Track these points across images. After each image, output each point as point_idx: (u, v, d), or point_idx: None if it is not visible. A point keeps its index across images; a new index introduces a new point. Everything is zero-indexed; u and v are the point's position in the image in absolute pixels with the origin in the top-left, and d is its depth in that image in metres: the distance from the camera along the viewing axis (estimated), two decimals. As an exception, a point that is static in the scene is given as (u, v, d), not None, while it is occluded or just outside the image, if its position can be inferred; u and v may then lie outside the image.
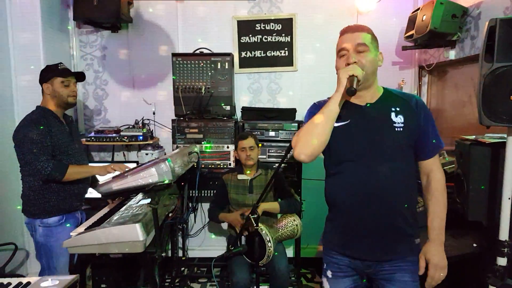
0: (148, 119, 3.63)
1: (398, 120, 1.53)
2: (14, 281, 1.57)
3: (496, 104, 1.54)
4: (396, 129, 1.52)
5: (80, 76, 2.66)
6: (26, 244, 3.25)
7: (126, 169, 2.36)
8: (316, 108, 1.61)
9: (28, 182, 2.40)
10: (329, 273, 1.71)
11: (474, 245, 1.99)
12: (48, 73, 2.45)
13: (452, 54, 2.78)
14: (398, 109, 1.54)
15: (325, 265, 1.76)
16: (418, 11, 2.68)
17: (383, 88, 1.65)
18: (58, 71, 2.46)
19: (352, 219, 1.57)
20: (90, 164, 2.75)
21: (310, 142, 1.51)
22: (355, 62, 1.50)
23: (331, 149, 1.60)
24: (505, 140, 1.73)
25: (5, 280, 1.58)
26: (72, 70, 3.53)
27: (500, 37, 1.53)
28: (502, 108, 1.53)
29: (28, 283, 1.54)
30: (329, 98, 1.57)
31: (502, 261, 1.67)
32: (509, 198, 1.65)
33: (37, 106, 2.47)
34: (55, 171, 2.28)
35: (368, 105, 1.57)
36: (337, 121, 1.55)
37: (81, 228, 2.15)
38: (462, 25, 2.63)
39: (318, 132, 1.50)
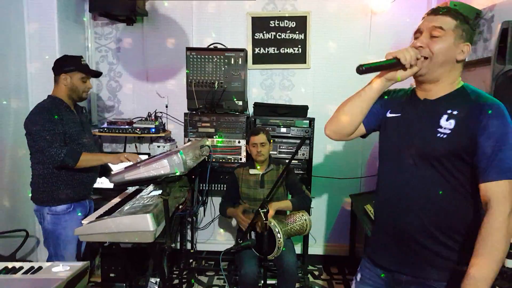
0: (160, 112, 3.68)
1: (446, 125, 1.29)
2: (26, 265, 1.61)
3: (508, 104, 1.55)
4: (439, 135, 1.30)
5: (97, 75, 2.74)
6: (37, 231, 3.31)
7: (138, 160, 2.40)
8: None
9: (38, 170, 2.44)
10: (358, 276, 1.63)
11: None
12: (69, 65, 2.48)
13: (466, 56, 2.77)
14: (455, 112, 1.29)
15: (359, 267, 1.66)
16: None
17: (463, 85, 1.37)
18: (80, 66, 2.50)
19: (382, 225, 1.49)
20: (102, 153, 2.80)
21: (338, 117, 1.45)
22: (420, 47, 1.31)
23: (380, 141, 1.52)
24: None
25: (17, 264, 1.63)
26: (87, 62, 3.62)
27: (513, 39, 1.53)
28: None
29: (40, 267, 1.58)
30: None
31: (510, 263, 1.67)
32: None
33: (48, 95, 2.51)
34: (68, 157, 2.33)
35: (424, 103, 1.39)
36: (392, 111, 1.47)
37: (92, 217, 2.20)
38: (475, 28, 2.61)
39: (347, 108, 1.43)
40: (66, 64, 2.49)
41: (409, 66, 1.28)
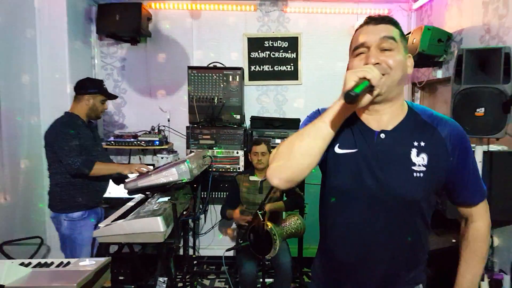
0: (163, 126, 3.93)
1: (419, 161, 1.11)
2: (56, 261, 1.85)
3: (463, 118, 1.84)
4: (416, 174, 1.11)
5: (115, 98, 3.03)
6: (48, 239, 3.48)
7: (149, 170, 2.65)
8: (315, 117, 1.18)
9: (56, 180, 2.66)
10: None
11: (453, 240, 2.26)
12: (94, 88, 2.75)
13: (439, 73, 3.10)
14: (422, 143, 1.12)
15: None
16: (409, 34, 3.00)
17: (409, 105, 1.21)
18: (103, 89, 2.80)
19: (342, 271, 1.26)
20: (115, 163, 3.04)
21: (288, 163, 1.11)
22: (377, 64, 1.08)
23: (327, 180, 1.24)
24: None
25: (48, 260, 1.87)
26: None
27: (466, 64, 1.84)
28: (467, 122, 1.83)
29: (68, 262, 1.82)
30: None
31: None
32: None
33: (66, 112, 2.75)
34: (83, 166, 2.56)
35: (382, 135, 1.15)
36: (341, 146, 1.18)
37: (108, 221, 2.44)
38: (447, 48, 2.95)
39: (301, 151, 1.09)
40: (91, 87, 2.76)
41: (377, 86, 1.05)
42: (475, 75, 1.86)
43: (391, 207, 1.13)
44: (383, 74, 1.07)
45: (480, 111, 1.84)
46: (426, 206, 1.16)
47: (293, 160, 1.10)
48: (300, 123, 1.33)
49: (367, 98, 1.06)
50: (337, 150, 1.19)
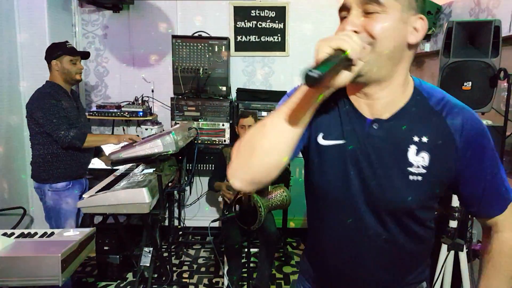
0: (147, 97, 3.86)
1: (418, 161, 0.89)
2: (40, 231, 1.83)
3: (452, 93, 1.84)
4: (412, 177, 0.89)
5: (85, 55, 2.87)
6: (32, 210, 3.47)
7: (139, 140, 2.61)
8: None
9: (38, 150, 2.60)
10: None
11: (435, 212, 2.32)
12: (57, 51, 2.62)
13: (427, 47, 3.09)
14: (424, 139, 0.89)
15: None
16: (399, 6, 2.95)
17: (416, 86, 0.94)
18: (67, 49, 2.64)
19: (333, 279, 1.10)
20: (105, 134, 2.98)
21: (250, 162, 0.87)
22: (355, 32, 0.83)
23: (310, 175, 1.03)
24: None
25: (32, 230, 1.85)
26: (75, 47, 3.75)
27: (455, 37, 1.83)
28: (454, 96, 1.82)
29: (52, 233, 1.79)
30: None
31: (453, 224, 2.00)
32: (461, 171, 1.95)
33: (47, 81, 2.65)
34: (76, 139, 2.52)
35: (375, 125, 0.92)
36: (326, 136, 0.96)
37: (92, 191, 2.42)
38: (436, 21, 2.93)
39: (264, 148, 0.85)
40: (54, 51, 2.64)
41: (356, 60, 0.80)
42: (464, 48, 1.86)
43: (382, 213, 0.94)
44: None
45: (468, 85, 1.85)
46: (424, 215, 0.95)
47: (256, 159, 0.86)
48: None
49: (344, 76, 0.81)
50: (320, 141, 0.96)
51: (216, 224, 3.69)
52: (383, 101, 0.91)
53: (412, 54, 0.91)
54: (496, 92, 1.84)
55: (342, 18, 0.89)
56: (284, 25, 3.80)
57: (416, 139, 0.89)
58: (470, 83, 1.85)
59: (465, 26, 1.88)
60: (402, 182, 0.89)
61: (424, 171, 0.88)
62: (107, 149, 2.88)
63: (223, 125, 3.55)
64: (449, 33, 1.85)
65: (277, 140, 0.85)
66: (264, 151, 0.85)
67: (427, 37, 3.05)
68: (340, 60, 0.76)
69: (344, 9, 0.88)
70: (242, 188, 0.90)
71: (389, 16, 0.83)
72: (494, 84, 1.83)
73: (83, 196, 2.34)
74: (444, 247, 2.04)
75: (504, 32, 2.00)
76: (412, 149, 0.88)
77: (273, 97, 3.62)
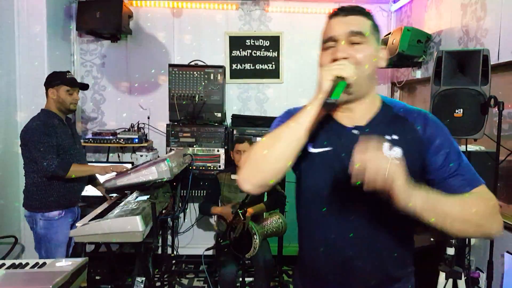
0: (143, 123, 3.87)
1: (392, 154, 0.98)
2: (31, 261, 1.79)
3: (442, 119, 1.86)
4: None
5: (84, 87, 2.89)
6: (23, 238, 3.40)
7: (124, 169, 2.60)
8: (287, 117, 1.10)
9: (32, 178, 2.59)
10: None
11: (432, 239, 2.31)
12: (56, 80, 2.64)
13: (418, 74, 3.15)
14: (396, 137, 1.06)
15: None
16: (389, 35, 3.04)
17: (382, 99, 1.16)
18: (66, 79, 2.66)
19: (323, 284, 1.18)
20: (90, 164, 2.98)
21: (260, 167, 1.04)
22: (345, 58, 1.02)
23: (302, 181, 1.17)
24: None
25: (23, 261, 1.81)
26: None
27: (445, 65, 1.87)
28: (446, 122, 1.85)
29: (44, 263, 1.76)
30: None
31: (450, 251, 1.98)
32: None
33: (42, 109, 2.67)
34: (59, 168, 2.49)
35: (355, 131, 1.09)
36: (315, 145, 1.12)
37: (85, 220, 2.39)
38: (426, 49, 3.00)
39: (274, 154, 1.02)
40: (53, 79, 2.66)
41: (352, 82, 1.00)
42: (454, 77, 1.90)
43: (368, 207, 1.06)
44: None
45: (459, 112, 1.88)
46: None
47: (265, 165, 1.04)
48: (272, 123, 1.24)
49: (343, 97, 1.00)
50: (311, 149, 1.12)
51: (210, 252, 3.63)
52: (360, 112, 1.11)
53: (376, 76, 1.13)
54: (487, 118, 1.87)
55: (326, 48, 1.09)
56: (278, 53, 3.89)
57: (389, 136, 1.06)
58: (461, 110, 1.88)
59: (454, 55, 1.94)
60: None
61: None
62: (102, 176, 2.86)
63: (218, 150, 3.56)
64: (439, 62, 1.90)
65: (285, 149, 1.02)
66: (275, 158, 1.03)
67: (418, 65, 3.12)
68: (343, 86, 0.97)
69: (331, 40, 1.07)
70: (251, 191, 1.07)
71: (368, 46, 1.05)
72: (485, 111, 1.87)
73: (76, 224, 2.31)
74: (442, 275, 2.02)
75: (493, 60, 2.06)
76: (385, 145, 0.98)
77: (268, 122, 3.57)
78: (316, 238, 1.16)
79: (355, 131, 1.09)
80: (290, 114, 1.15)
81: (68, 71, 2.76)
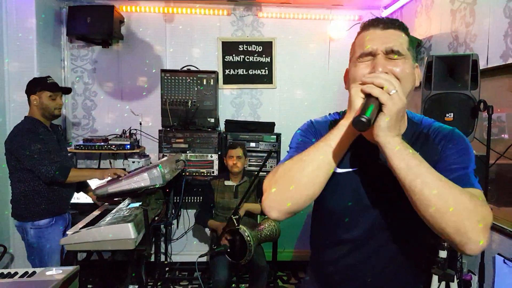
0: (135, 129, 3.85)
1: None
2: (21, 270, 1.76)
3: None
4: None
5: (67, 91, 2.84)
6: (12, 248, 3.36)
7: (124, 175, 2.57)
8: (311, 132, 1.10)
9: (19, 188, 2.54)
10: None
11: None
12: (37, 86, 2.59)
13: (410, 79, 3.17)
14: (418, 151, 0.95)
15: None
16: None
17: (409, 116, 1.11)
18: (47, 85, 2.61)
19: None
20: (90, 168, 2.93)
21: (289, 194, 0.96)
22: (386, 73, 0.94)
23: (323, 200, 1.08)
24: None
25: (12, 270, 1.78)
26: (63, 82, 3.76)
27: (436, 70, 1.89)
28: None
29: (34, 272, 1.73)
30: (334, 122, 1.07)
31: (443, 254, 1.99)
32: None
33: (25, 117, 2.62)
34: (59, 173, 2.47)
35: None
36: (342, 165, 1.05)
37: (76, 227, 2.36)
38: (417, 55, 3.03)
39: (304, 180, 0.95)
40: (34, 85, 2.61)
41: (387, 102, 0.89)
42: (444, 81, 1.93)
43: (389, 235, 1.04)
44: None
45: (449, 116, 1.90)
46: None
47: (295, 191, 0.96)
48: (293, 137, 1.15)
49: (380, 118, 0.89)
50: (337, 169, 1.05)
51: (204, 259, 3.61)
52: None
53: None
54: (477, 122, 1.89)
55: (361, 62, 1.00)
56: (271, 58, 3.90)
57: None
58: (452, 114, 1.90)
59: (444, 60, 1.96)
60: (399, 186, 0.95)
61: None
62: (93, 183, 2.83)
63: (211, 156, 3.55)
64: (429, 66, 1.92)
65: (315, 174, 0.95)
66: (303, 184, 0.95)
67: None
68: (376, 105, 0.87)
69: (368, 55, 0.98)
70: (278, 218, 1.00)
71: (409, 62, 0.98)
72: (475, 115, 1.88)
73: (67, 232, 2.28)
74: (435, 278, 2.02)
75: (482, 65, 2.08)
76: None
77: (261, 128, 3.66)
78: (332, 262, 1.14)
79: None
80: (312, 126, 1.13)
81: (49, 76, 2.70)
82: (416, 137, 1.06)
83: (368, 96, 0.89)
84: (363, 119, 0.83)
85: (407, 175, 0.87)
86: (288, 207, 0.97)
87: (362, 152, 1.03)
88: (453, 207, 0.84)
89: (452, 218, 0.84)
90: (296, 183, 0.95)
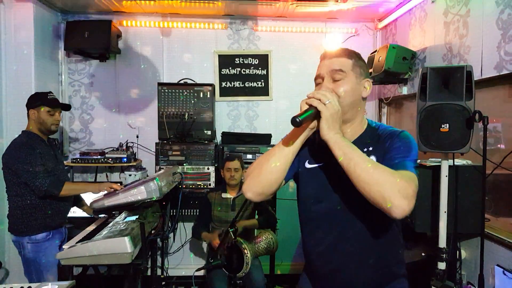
0: (132, 142, 3.84)
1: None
2: (16, 286, 1.74)
3: (429, 134, 1.89)
4: None
5: (66, 107, 2.85)
6: (7, 263, 3.32)
7: (119, 188, 2.55)
8: None
9: (16, 202, 2.53)
10: None
11: (423, 254, 2.31)
12: (37, 101, 2.61)
13: (405, 90, 3.21)
14: (371, 148, 1.30)
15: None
16: (375, 53, 3.10)
17: (369, 123, 1.39)
18: (46, 100, 2.63)
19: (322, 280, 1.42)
20: (84, 182, 2.91)
21: (258, 178, 1.29)
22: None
23: (300, 192, 1.43)
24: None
25: (7, 286, 1.76)
26: (60, 96, 3.75)
27: (430, 81, 1.91)
28: (433, 137, 1.88)
29: (29, 287, 1.72)
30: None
31: (441, 265, 1.98)
32: (445, 212, 1.97)
33: (23, 131, 2.63)
34: (52, 187, 2.46)
35: None
36: (311, 162, 1.37)
37: (73, 242, 2.33)
38: (412, 66, 3.07)
39: (268, 168, 1.27)
40: (34, 100, 2.63)
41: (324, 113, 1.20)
42: (439, 92, 1.94)
43: (356, 210, 1.27)
44: None
45: (445, 127, 1.90)
46: None
47: (262, 176, 1.28)
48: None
49: (314, 123, 1.24)
50: (307, 165, 1.38)
51: (201, 272, 3.56)
52: (350, 133, 1.33)
53: (364, 102, 1.37)
54: (473, 133, 1.90)
55: (317, 84, 1.34)
56: (267, 71, 3.93)
57: (365, 148, 1.29)
58: (447, 125, 1.91)
59: (439, 71, 1.98)
60: None
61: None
62: (88, 197, 2.81)
63: (208, 168, 3.54)
64: (424, 78, 1.94)
65: (275, 163, 1.27)
66: (269, 170, 1.27)
67: (404, 81, 3.18)
68: (312, 113, 1.20)
69: (319, 78, 1.33)
70: (252, 198, 1.31)
71: (348, 81, 1.28)
72: (470, 126, 1.89)
73: (63, 246, 2.25)
74: (434, 291, 2.01)
75: (476, 76, 2.10)
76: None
77: (258, 140, 3.66)
78: (309, 248, 1.42)
79: None
80: None
81: (50, 92, 2.72)
82: (372, 138, 1.32)
83: (310, 105, 1.20)
84: (297, 119, 1.14)
85: (344, 159, 1.14)
86: (258, 189, 1.29)
87: (326, 150, 1.22)
88: (377, 180, 1.09)
89: (377, 188, 1.08)
90: (263, 171, 1.28)
